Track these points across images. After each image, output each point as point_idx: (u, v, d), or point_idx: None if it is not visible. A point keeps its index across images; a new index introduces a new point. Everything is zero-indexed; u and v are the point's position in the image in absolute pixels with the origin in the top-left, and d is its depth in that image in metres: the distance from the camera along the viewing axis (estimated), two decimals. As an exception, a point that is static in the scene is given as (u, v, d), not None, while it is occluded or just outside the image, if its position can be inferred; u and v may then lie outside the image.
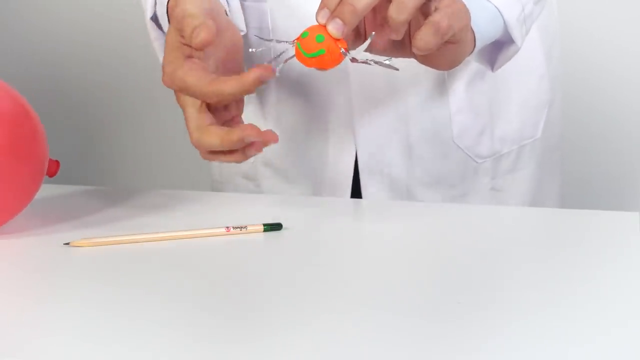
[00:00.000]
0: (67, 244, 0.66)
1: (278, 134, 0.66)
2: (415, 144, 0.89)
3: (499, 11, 0.72)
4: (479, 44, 0.71)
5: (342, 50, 0.63)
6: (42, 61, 1.96)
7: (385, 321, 0.51)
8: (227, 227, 0.69)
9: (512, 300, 0.54)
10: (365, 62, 0.64)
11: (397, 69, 0.66)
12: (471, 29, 0.69)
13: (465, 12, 0.65)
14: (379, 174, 0.90)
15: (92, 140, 1.99)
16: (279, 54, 0.65)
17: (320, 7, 0.62)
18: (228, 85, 0.63)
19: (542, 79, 0.94)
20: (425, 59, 0.68)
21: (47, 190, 0.82)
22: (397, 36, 0.63)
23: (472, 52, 0.71)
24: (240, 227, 0.69)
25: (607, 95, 1.66)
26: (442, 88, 0.88)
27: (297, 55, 0.63)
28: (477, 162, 0.91)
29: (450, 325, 0.50)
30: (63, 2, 1.91)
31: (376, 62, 0.64)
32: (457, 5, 0.64)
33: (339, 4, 0.62)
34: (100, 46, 1.89)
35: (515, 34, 0.74)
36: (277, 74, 0.64)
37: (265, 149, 0.67)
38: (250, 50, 0.70)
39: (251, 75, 0.63)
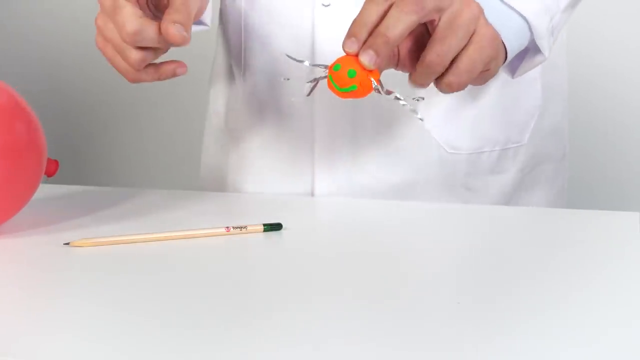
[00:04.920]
0: (67, 244, 0.66)
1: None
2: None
3: (528, 22, 0.71)
4: (509, 57, 0.70)
5: (375, 84, 0.62)
6: (42, 61, 1.97)
7: (385, 321, 0.51)
8: (227, 227, 0.69)
9: (512, 300, 0.54)
10: (395, 98, 0.63)
11: (420, 119, 0.65)
12: (502, 42, 0.69)
13: (494, 44, 0.65)
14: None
15: (92, 140, 1.99)
16: (313, 79, 0.65)
17: (348, 36, 0.62)
18: (147, 75, 0.70)
19: (534, 82, 0.91)
20: None
21: (46, 190, 0.82)
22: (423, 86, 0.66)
23: (503, 64, 0.71)
24: (240, 227, 0.69)
25: (607, 95, 1.66)
26: None
27: (330, 86, 0.63)
28: (447, 152, 0.88)
29: (450, 325, 0.50)
30: (62, 2, 1.91)
31: (404, 100, 0.63)
32: (486, 39, 0.64)
33: (370, 34, 0.61)
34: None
35: (544, 45, 0.73)
36: (307, 95, 0.67)
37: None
38: (283, 79, 0.72)
39: (169, 68, 0.70)
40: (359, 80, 0.61)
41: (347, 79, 0.61)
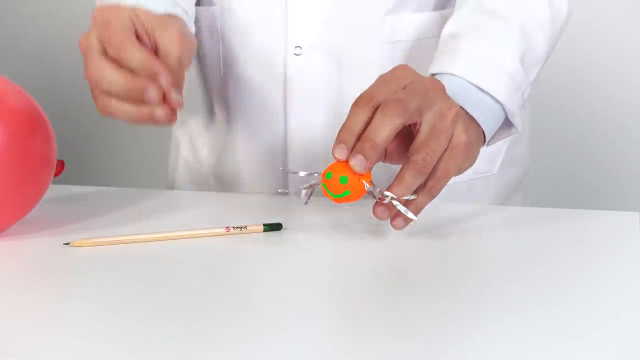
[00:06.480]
0: (67, 244, 0.66)
1: None
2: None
3: (503, 106, 0.72)
4: (487, 137, 0.72)
5: (368, 187, 0.63)
6: (42, 60, 1.96)
7: (385, 321, 0.51)
8: (227, 227, 0.69)
9: (512, 300, 0.54)
10: (390, 199, 0.63)
11: (414, 219, 0.65)
12: (481, 129, 0.70)
13: (467, 151, 0.66)
14: None
15: (92, 140, 1.99)
16: (309, 185, 0.66)
17: (337, 143, 0.62)
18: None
19: None
20: None
21: (47, 190, 0.82)
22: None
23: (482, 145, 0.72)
24: (240, 227, 0.69)
25: (607, 95, 1.66)
26: None
27: (324, 193, 0.64)
28: None
29: (450, 325, 0.50)
30: (62, 2, 1.91)
31: (398, 201, 0.63)
32: (461, 147, 0.65)
33: (357, 140, 0.62)
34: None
35: (517, 121, 0.74)
36: (305, 203, 0.67)
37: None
38: (279, 190, 0.76)
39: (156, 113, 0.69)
40: (352, 185, 0.62)
41: (339, 186, 0.62)
